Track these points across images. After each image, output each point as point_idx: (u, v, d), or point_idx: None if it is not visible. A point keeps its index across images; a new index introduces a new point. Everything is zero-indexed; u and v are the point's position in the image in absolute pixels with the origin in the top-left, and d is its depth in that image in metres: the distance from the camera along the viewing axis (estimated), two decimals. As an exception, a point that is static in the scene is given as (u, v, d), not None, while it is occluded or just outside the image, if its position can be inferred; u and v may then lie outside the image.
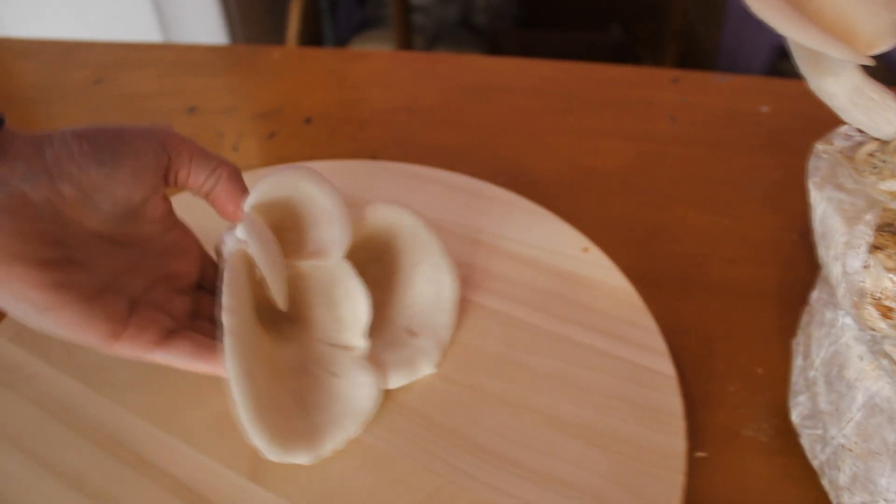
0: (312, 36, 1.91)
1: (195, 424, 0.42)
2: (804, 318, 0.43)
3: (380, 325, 0.46)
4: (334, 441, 0.41)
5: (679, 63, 1.83)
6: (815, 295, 0.42)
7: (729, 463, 0.42)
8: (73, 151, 0.36)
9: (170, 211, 0.42)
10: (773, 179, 0.62)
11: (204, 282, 0.45)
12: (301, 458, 0.39)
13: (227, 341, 0.38)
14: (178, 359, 0.40)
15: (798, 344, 0.43)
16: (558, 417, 0.42)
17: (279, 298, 0.42)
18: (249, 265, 0.42)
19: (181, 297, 0.42)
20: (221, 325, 0.38)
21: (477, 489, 0.39)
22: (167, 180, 0.40)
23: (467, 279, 0.50)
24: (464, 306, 0.49)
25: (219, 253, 0.44)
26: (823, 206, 0.36)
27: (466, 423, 0.42)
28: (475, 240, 0.54)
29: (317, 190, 0.43)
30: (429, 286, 0.48)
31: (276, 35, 1.96)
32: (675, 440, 0.40)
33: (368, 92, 0.78)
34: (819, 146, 0.39)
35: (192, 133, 0.71)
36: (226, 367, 0.37)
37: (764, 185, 0.62)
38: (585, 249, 0.52)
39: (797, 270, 0.54)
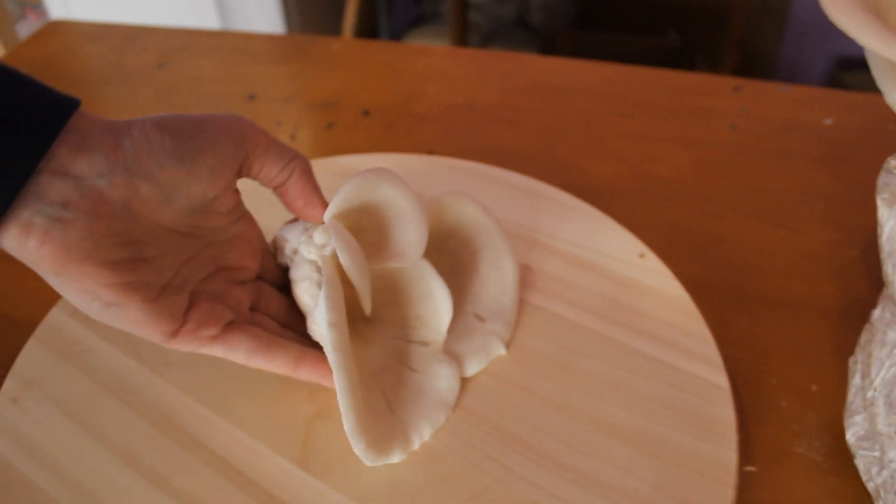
0: (368, 29, 1.93)
1: (247, 409, 0.43)
2: (864, 337, 0.43)
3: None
4: (423, 436, 0.41)
5: (736, 71, 1.81)
6: (877, 313, 0.41)
7: (778, 479, 0.41)
8: (154, 146, 0.35)
9: (239, 203, 0.41)
10: (833, 193, 0.61)
11: (263, 274, 0.44)
12: (395, 458, 0.40)
13: (334, 357, 0.38)
14: (235, 353, 0.40)
15: (856, 363, 0.42)
16: (609, 422, 0.42)
17: (367, 306, 0.42)
18: (339, 272, 0.42)
19: (240, 287, 0.42)
20: (318, 337, 0.40)
21: (524, 489, 0.39)
22: (240, 172, 0.39)
23: (523, 280, 0.50)
24: (519, 307, 0.48)
25: (277, 247, 0.44)
26: (893, 223, 0.35)
27: (517, 423, 0.42)
28: (531, 240, 0.54)
29: (396, 192, 0.43)
30: (492, 271, 0.48)
31: (332, 27, 1.98)
32: (726, 452, 0.40)
33: (426, 87, 0.78)
34: (891, 161, 0.38)
35: (251, 120, 0.72)
36: (334, 381, 0.38)
37: (824, 198, 0.61)
38: (642, 255, 0.52)
39: (855, 287, 0.53)
